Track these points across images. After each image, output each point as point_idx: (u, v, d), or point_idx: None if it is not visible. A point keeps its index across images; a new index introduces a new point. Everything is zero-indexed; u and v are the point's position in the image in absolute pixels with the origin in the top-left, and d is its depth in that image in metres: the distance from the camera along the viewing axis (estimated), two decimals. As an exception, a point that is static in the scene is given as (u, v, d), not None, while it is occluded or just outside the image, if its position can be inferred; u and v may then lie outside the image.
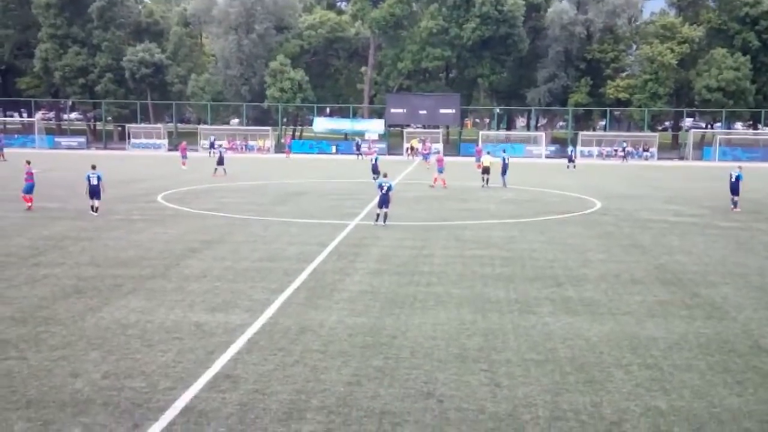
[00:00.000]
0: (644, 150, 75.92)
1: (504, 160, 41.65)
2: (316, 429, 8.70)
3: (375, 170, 36.41)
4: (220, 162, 46.31)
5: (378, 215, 25.07)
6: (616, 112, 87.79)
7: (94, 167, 26.85)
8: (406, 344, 11.93)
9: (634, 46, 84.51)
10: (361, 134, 79.91)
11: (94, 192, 26.20)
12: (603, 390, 10.12)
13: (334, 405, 9.42)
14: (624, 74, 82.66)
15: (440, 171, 40.52)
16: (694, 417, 9.30)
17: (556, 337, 12.47)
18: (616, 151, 75.65)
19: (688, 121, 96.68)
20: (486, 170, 41.10)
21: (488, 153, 44.87)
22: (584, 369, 10.93)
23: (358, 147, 73.20)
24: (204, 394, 9.71)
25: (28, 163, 28.76)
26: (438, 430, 8.76)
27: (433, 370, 10.76)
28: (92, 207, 26.25)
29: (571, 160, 60.04)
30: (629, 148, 74.47)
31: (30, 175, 28.11)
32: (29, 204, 27.65)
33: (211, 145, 71.78)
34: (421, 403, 9.54)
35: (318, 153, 78.10)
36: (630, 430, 8.87)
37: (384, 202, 24.88)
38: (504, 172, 41.32)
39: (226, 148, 65.35)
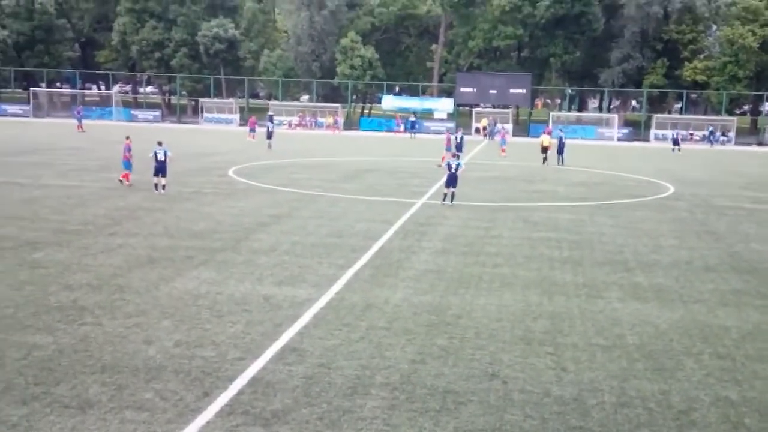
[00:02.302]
0: (722, 134, 73.68)
1: (561, 138, 42.15)
2: (380, 405, 8.78)
3: (459, 148, 36.69)
4: (269, 136, 48.59)
5: (445, 195, 24.99)
6: (692, 95, 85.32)
7: (160, 143, 26.14)
8: (471, 324, 11.92)
9: (714, 27, 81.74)
10: (429, 113, 79.45)
11: (161, 169, 25.37)
12: (672, 378, 9.95)
13: (398, 382, 9.49)
14: (702, 56, 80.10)
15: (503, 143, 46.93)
16: (766, 409, 9.07)
17: (624, 323, 12.29)
18: (691, 135, 73.58)
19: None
20: (544, 149, 42.31)
21: (548, 134, 45.21)
22: (653, 356, 10.75)
23: (413, 126, 72.11)
24: (271, 365, 9.90)
25: (127, 138, 27.69)
26: (502, 411, 8.74)
27: (497, 352, 10.73)
28: (156, 185, 25.42)
29: (676, 143, 59.06)
30: (717, 133, 72.19)
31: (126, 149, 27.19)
32: (126, 180, 26.94)
33: (270, 119, 72.25)
34: (485, 384, 9.53)
35: (386, 131, 78.07)
36: (699, 419, 8.71)
37: (451, 181, 24.77)
38: (560, 150, 41.59)
39: (277, 124, 66.17)
